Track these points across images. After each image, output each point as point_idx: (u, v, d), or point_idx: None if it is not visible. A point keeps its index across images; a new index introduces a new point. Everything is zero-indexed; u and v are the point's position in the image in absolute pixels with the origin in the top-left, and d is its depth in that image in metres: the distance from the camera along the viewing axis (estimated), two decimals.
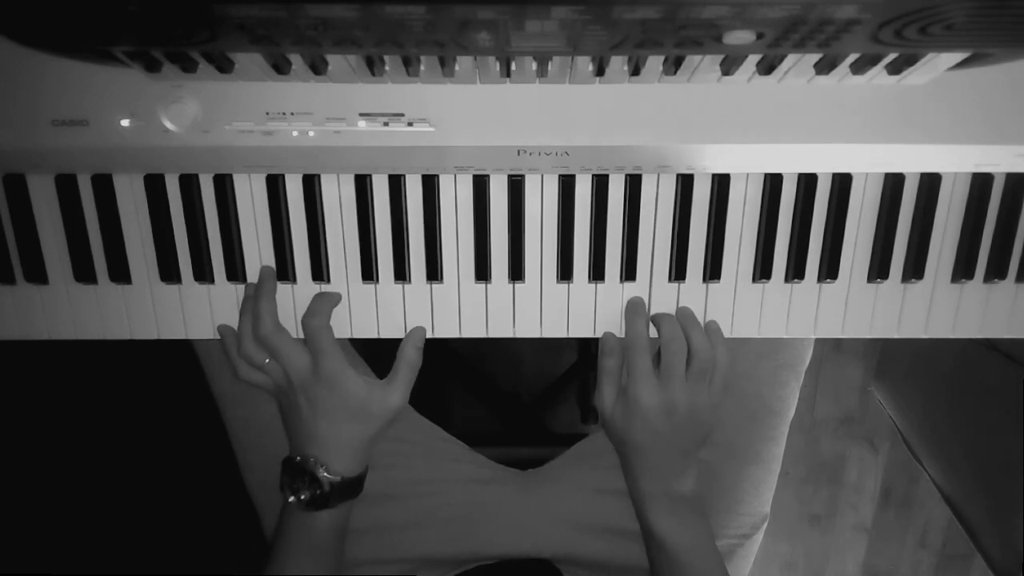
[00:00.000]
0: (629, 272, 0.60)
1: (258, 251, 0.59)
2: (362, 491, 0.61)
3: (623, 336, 0.61)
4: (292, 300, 0.60)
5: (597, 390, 0.61)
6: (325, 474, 0.57)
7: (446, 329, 0.61)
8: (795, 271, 0.59)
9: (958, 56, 0.48)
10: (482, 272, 0.59)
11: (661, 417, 0.57)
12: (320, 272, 0.59)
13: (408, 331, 0.60)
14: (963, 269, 0.59)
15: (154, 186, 0.57)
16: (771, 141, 0.54)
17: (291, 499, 0.58)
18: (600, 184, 0.58)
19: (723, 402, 0.60)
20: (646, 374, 0.57)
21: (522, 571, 0.68)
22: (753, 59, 0.49)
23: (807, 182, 0.58)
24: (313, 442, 0.58)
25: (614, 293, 0.61)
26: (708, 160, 0.55)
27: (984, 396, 1.01)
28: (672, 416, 0.57)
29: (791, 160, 0.55)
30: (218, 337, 0.61)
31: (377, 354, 0.73)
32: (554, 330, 0.61)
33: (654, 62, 0.49)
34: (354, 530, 0.67)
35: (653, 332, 0.60)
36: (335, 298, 0.59)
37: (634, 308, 0.59)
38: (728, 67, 0.49)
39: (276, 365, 0.58)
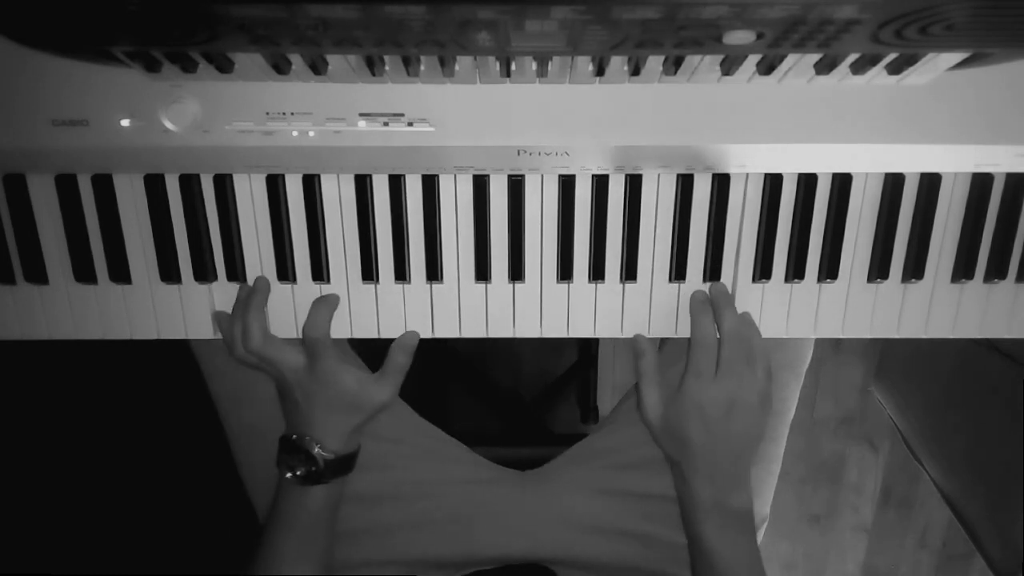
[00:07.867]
0: (629, 272, 0.60)
1: (258, 251, 0.59)
2: (354, 468, 0.64)
3: (638, 336, 0.61)
4: (292, 300, 0.60)
5: (639, 397, 0.61)
6: (320, 452, 0.60)
7: (446, 329, 0.61)
8: (795, 271, 0.59)
9: (958, 56, 0.48)
10: (482, 272, 0.59)
11: (721, 412, 0.57)
12: (320, 272, 0.59)
13: (401, 335, 0.61)
14: (963, 269, 0.59)
15: (154, 186, 0.57)
16: (771, 141, 0.54)
17: (288, 475, 0.60)
18: (600, 184, 0.58)
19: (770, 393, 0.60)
20: (708, 373, 0.58)
21: None
22: (753, 59, 0.49)
23: (807, 182, 0.58)
24: (308, 425, 0.60)
25: (614, 293, 0.61)
26: (708, 160, 0.55)
27: (984, 396, 1.01)
28: (731, 411, 0.57)
29: (791, 160, 0.55)
30: (218, 337, 0.61)
31: (376, 352, 0.73)
32: (554, 330, 0.61)
33: (654, 62, 0.49)
34: (352, 531, 0.67)
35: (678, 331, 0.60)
36: (334, 304, 0.60)
37: (701, 306, 0.59)
38: (728, 67, 0.49)
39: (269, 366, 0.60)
